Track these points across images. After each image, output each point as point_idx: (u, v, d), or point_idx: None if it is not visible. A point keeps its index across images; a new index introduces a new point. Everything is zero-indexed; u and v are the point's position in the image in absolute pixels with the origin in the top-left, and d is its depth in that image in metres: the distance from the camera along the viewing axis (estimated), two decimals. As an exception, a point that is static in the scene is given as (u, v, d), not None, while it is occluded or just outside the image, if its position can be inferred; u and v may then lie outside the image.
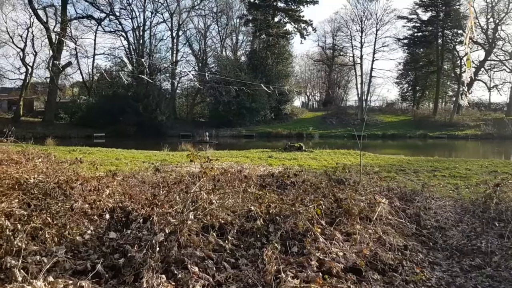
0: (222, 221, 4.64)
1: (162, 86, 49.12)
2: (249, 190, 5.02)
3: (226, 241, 4.39)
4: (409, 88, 55.24)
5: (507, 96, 51.43)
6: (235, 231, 4.52)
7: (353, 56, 55.84)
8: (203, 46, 54.18)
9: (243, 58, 54.22)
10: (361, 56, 53.50)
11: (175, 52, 51.91)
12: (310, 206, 4.39)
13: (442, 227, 5.51)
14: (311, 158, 14.48)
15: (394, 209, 5.54)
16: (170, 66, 50.00)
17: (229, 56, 54.19)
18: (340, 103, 61.71)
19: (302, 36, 52.87)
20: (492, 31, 46.61)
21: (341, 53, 60.54)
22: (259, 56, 49.53)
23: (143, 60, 37.40)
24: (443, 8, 47.52)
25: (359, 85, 54.74)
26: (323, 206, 4.62)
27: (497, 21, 46.53)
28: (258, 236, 4.50)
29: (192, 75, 53.85)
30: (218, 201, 5.05)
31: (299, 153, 15.76)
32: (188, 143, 20.70)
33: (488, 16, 46.15)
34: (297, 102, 65.46)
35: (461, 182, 9.21)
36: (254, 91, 42.04)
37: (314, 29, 53.48)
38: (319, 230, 4.27)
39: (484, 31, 46.09)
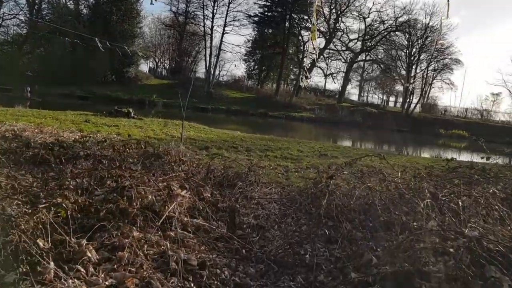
0: None
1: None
2: None
3: None
4: (256, 67, 56.40)
5: (340, 85, 56.85)
6: None
7: (204, 26, 54.14)
8: (36, -12, 45.43)
9: (85, 11, 47.53)
10: (212, 27, 52.18)
11: (-1, -10, 42.30)
12: (41, 207, 2.51)
13: (262, 226, 4.26)
14: (137, 126, 12.46)
15: (202, 202, 4.04)
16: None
17: (68, 5, 46.82)
18: (189, 73, 59.63)
19: (152, -5, 48.72)
20: (334, 21, 50.24)
21: (193, 22, 58.17)
22: (103, 10, 43.85)
23: None
24: (293, -9, 49.12)
25: (207, 57, 53.67)
26: (76, 206, 2.79)
27: (339, 12, 50.34)
28: None
29: (20, 20, 45.18)
30: None
31: (125, 120, 13.52)
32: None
33: (332, 7, 49.50)
34: (144, 67, 61.03)
35: (292, 165, 8.45)
36: (94, 48, 36.99)
37: (167, -9, 49.91)
38: (53, 246, 2.44)
39: (326, 20, 49.39)
